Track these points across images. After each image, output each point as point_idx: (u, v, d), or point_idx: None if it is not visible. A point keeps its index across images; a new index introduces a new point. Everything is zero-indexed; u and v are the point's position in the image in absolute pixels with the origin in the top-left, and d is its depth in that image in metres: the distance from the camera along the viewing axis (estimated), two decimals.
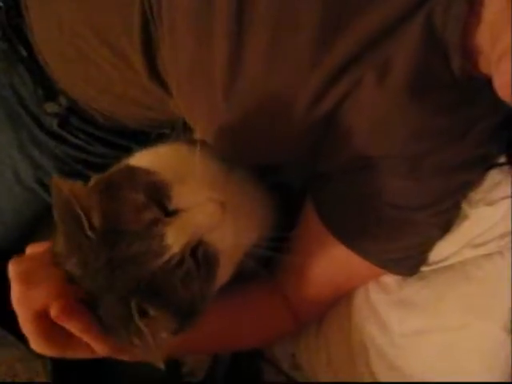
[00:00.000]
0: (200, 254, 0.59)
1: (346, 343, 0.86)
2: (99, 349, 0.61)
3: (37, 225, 0.99)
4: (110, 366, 0.99)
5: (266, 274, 0.78)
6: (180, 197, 0.60)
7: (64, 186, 0.58)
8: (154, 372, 0.99)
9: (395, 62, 0.66)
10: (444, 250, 0.79)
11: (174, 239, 0.57)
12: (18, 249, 0.91)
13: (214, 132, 0.75)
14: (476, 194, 0.77)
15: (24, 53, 0.91)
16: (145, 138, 0.93)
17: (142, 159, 0.70)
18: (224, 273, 0.64)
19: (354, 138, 0.72)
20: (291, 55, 0.67)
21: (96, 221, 0.58)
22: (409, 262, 0.79)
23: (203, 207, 0.60)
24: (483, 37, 0.63)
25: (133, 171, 0.63)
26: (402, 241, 0.77)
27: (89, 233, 0.57)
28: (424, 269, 0.81)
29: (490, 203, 0.76)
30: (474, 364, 0.74)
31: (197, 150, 0.65)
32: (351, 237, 0.77)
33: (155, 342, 0.57)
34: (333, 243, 0.78)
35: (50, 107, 0.93)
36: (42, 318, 0.59)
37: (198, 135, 0.82)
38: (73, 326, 0.58)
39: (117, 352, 0.62)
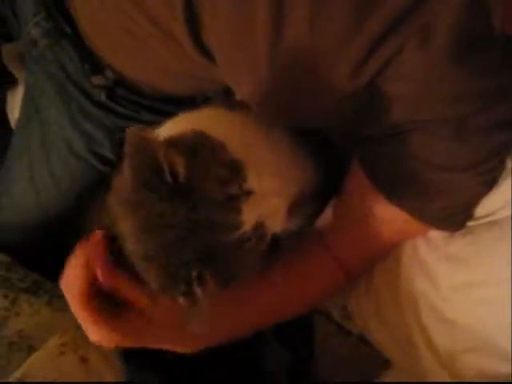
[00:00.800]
0: (259, 235, 0.64)
1: (395, 296, 0.89)
2: (143, 303, 0.68)
3: (92, 193, 1.02)
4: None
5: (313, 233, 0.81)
6: (253, 179, 0.64)
7: (144, 134, 0.60)
8: None
9: (437, 25, 0.65)
10: (490, 205, 0.80)
11: (248, 217, 0.61)
12: (74, 216, 0.97)
13: (256, 95, 0.76)
14: None
15: (68, 30, 0.93)
16: (191, 103, 0.95)
17: (209, 124, 0.72)
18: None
19: (398, 103, 0.72)
20: (334, 18, 0.67)
21: (181, 173, 0.60)
22: (455, 218, 0.81)
23: (273, 197, 0.65)
24: None
25: (210, 141, 0.66)
26: (449, 199, 0.79)
27: (169, 180, 0.59)
28: (470, 223, 0.82)
29: None
30: None
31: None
32: (398, 195, 0.79)
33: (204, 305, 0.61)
34: (380, 201, 0.81)
35: (97, 80, 0.96)
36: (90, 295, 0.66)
37: (240, 98, 0.83)
38: (119, 282, 0.66)
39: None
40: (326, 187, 0.84)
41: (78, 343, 0.87)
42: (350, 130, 0.80)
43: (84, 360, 0.85)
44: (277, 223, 0.66)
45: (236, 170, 0.64)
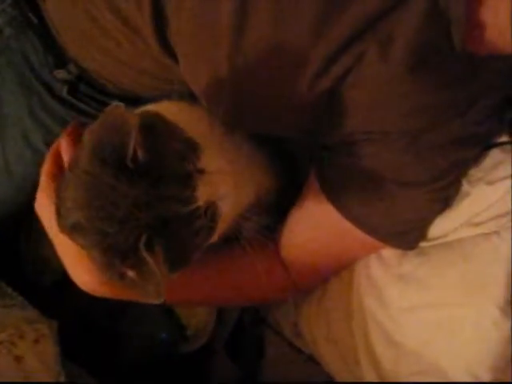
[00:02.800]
0: (209, 215, 0.64)
1: (346, 315, 0.88)
2: None
3: None
4: (116, 331, 1.02)
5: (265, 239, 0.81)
6: (205, 159, 0.65)
7: (123, 112, 0.60)
8: (158, 335, 1.03)
9: (398, 37, 0.66)
10: (443, 226, 0.80)
11: (202, 194, 0.63)
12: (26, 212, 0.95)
13: (216, 98, 0.76)
14: (476, 173, 0.78)
15: (34, 20, 0.92)
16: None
17: (164, 110, 0.72)
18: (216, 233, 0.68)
19: (355, 112, 0.72)
20: (296, 26, 0.67)
21: (141, 154, 0.60)
22: (408, 236, 0.81)
23: (224, 176, 0.67)
24: (489, 12, 0.63)
25: (165, 119, 0.67)
26: (401, 215, 0.78)
27: (130, 164, 0.60)
28: (423, 244, 0.82)
29: (490, 182, 0.77)
30: (469, 342, 0.75)
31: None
32: (350, 208, 0.79)
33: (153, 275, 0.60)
34: (332, 214, 0.80)
35: (60, 74, 0.94)
36: None
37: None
38: None
39: None
40: (283, 195, 0.84)
41: (15, 342, 0.84)
42: (309, 137, 0.80)
43: (18, 359, 0.82)
44: (227, 205, 0.67)
45: (191, 147, 0.65)
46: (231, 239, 0.75)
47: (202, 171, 0.64)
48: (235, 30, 0.68)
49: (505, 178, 0.76)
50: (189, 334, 1.06)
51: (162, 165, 0.62)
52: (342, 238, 0.82)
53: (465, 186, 0.78)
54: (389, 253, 0.84)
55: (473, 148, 0.76)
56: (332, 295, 0.92)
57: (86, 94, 0.96)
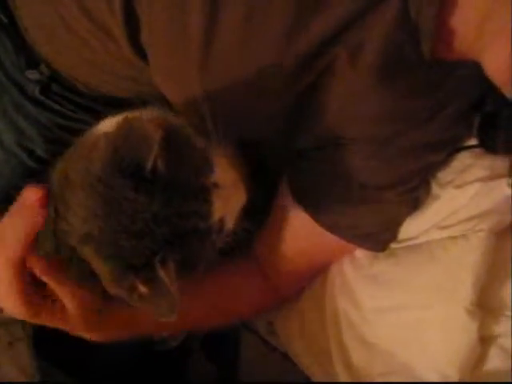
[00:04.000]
0: (220, 230, 0.64)
1: (320, 315, 0.89)
2: (72, 305, 0.66)
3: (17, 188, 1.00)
4: None
5: (243, 250, 0.82)
6: (219, 172, 0.64)
7: (146, 122, 0.59)
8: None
9: (368, 44, 0.67)
10: (414, 228, 0.82)
11: (218, 209, 0.61)
12: None
13: (186, 100, 0.76)
14: (446, 176, 0.80)
15: (4, 19, 0.91)
16: (128, 105, 0.94)
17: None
18: None
19: (325, 118, 0.74)
20: (267, 32, 0.68)
21: (161, 167, 0.58)
22: (378, 237, 0.82)
23: (237, 190, 0.66)
24: (459, 20, 0.64)
25: (184, 133, 0.65)
26: (371, 218, 0.80)
27: (149, 176, 0.58)
28: (394, 246, 0.84)
29: (459, 186, 0.78)
30: (438, 344, 0.77)
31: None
32: (321, 212, 0.80)
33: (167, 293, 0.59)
34: (305, 218, 0.81)
35: (32, 74, 0.94)
36: (19, 273, 0.62)
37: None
38: (51, 278, 0.63)
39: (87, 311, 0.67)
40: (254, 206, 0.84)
41: None
42: (280, 142, 0.80)
43: None
44: (232, 220, 0.66)
45: (206, 160, 0.63)
46: None
47: (216, 185, 0.63)
48: (205, 33, 0.69)
49: (473, 181, 0.77)
50: (164, 334, 1.07)
51: (180, 179, 0.60)
52: (317, 241, 0.83)
53: (435, 189, 0.80)
54: (361, 254, 0.86)
55: (441, 152, 0.78)
56: (306, 295, 0.93)
57: (59, 94, 0.95)
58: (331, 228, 0.80)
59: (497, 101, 0.73)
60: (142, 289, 0.60)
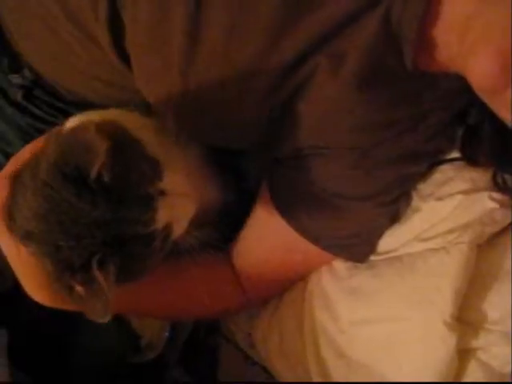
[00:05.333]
0: (166, 236, 0.65)
1: (299, 327, 0.89)
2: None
3: None
4: (66, 340, 1.02)
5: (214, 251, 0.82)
6: (167, 179, 0.65)
7: (95, 136, 0.59)
8: (111, 345, 1.03)
9: (350, 55, 0.67)
10: (394, 240, 0.82)
11: (162, 216, 0.63)
12: None
13: (167, 105, 0.77)
14: (427, 188, 0.80)
15: None
16: None
17: (126, 121, 0.72)
18: None
19: (305, 126, 0.74)
20: (249, 39, 0.68)
21: (106, 175, 0.60)
22: (357, 248, 0.83)
23: (186, 198, 0.67)
24: (441, 31, 0.65)
25: (132, 139, 0.67)
26: (350, 228, 0.81)
27: (94, 185, 0.59)
28: (374, 258, 0.84)
29: (440, 198, 0.79)
30: (416, 357, 0.77)
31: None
32: (300, 221, 0.81)
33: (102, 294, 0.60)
34: (284, 226, 0.82)
35: (15, 79, 0.94)
36: None
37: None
38: None
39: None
40: (229, 209, 0.85)
41: None
42: (260, 150, 0.81)
43: None
44: (181, 228, 0.67)
45: (154, 167, 0.65)
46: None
47: (163, 193, 0.64)
48: (188, 42, 0.70)
49: (454, 194, 0.78)
50: (143, 345, 1.06)
51: (125, 187, 0.61)
52: (295, 250, 0.83)
53: (416, 201, 0.80)
54: (340, 265, 0.86)
55: (421, 164, 0.79)
56: (285, 306, 0.93)
57: (42, 100, 0.95)
58: (309, 236, 0.81)
59: (480, 113, 0.74)
60: (79, 288, 0.61)
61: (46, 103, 0.95)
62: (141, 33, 0.73)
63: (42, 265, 0.64)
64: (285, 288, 0.92)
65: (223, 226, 0.82)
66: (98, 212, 0.59)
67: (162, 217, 0.63)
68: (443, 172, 0.80)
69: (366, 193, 0.77)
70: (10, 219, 0.66)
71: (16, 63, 0.93)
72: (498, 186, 0.77)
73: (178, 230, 0.67)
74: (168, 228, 0.65)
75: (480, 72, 0.59)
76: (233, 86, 0.72)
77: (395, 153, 0.75)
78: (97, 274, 0.59)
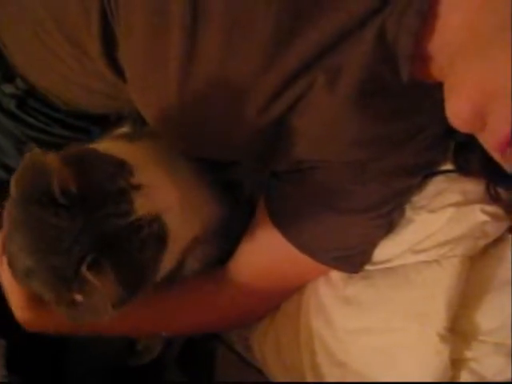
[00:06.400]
0: (155, 228, 0.67)
1: (295, 333, 0.91)
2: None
3: None
4: (64, 346, 1.03)
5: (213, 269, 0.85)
6: (141, 175, 0.68)
7: (40, 157, 0.64)
8: (107, 349, 1.04)
9: (346, 69, 0.68)
10: (388, 250, 0.84)
11: (140, 206, 0.65)
12: None
13: (163, 120, 0.78)
14: (421, 200, 0.82)
15: None
16: (104, 120, 0.95)
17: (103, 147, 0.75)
18: (168, 258, 0.72)
19: (302, 141, 0.75)
20: (246, 56, 0.69)
21: (72, 186, 0.63)
22: (352, 260, 0.84)
23: (163, 188, 0.70)
24: (435, 46, 0.66)
25: (91, 149, 0.72)
26: (346, 240, 0.82)
27: (62, 201, 0.62)
28: (369, 267, 0.85)
29: (433, 210, 0.80)
30: (410, 367, 0.79)
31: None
32: (296, 235, 0.82)
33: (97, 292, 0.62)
34: (279, 239, 0.83)
35: (8, 88, 0.94)
36: None
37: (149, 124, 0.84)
38: None
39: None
40: (227, 223, 0.86)
41: None
42: (257, 164, 0.82)
43: None
44: (173, 219, 0.69)
45: (121, 167, 0.68)
46: None
47: (138, 187, 0.67)
48: (184, 59, 0.70)
49: (446, 206, 0.80)
50: (139, 348, 1.07)
51: (95, 190, 0.65)
52: (292, 263, 0.85)
53: (409, 213, 0.82)
54: (336, 275, 0.87)
55: (416, 176, 0.80)
56: (282, 313, 0.95)
57: (35, 109, 0.96)
58: (305, 249, 0.82)
59: None
60: (78, 297, 0.64)
61: (40, 112, 0.96)
62: (136, 48, 0.74)
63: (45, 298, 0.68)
64: (282, 300, 0.93)
65: (221, 241, 0.84)
66: (78, 221, 0.62)
67: (140, 206, 0.66)
68: (435, 184, 0.81)
69: (362, 206, 0.79)
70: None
71: (9, 73, 0.94)
72: (492, 197, 0.78)
73: (173, 221, 0.69)
74: (158, 219, 0.67)
75: (451, 112, 0.61)
76: (228, 102, 0.73)
77: (392, 165, 0.76)
78: (87, 274, 0.61)
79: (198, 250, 0.80)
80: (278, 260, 0.86)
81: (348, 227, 0.81)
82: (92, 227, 0.63)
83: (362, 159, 0.75)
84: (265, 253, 0.86)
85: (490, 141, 0.59)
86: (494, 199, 0.78)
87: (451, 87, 0.61)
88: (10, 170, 0.98)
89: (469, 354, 0.78)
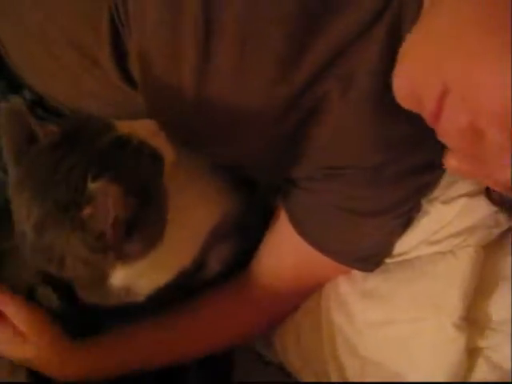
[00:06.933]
0: (146, 150, 0.70)
1: (315, 328, 0.92)
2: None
3: None
4: None
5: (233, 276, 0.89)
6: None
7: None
8: None
9: (358, 76, 0.69)
10: (405, 243, 0.84)
11: (121, 128, 0.71)
12: None
13: (179, 127, 0.78)
14: (433, 192, 0.82)
15: None
16: None
17: None
18: (190, 248, 0.78)
19: (317, 149, 0.76)
20: (259, 71, 0.70)
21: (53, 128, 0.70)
22: (372, 259, 0.86)
23: (144, 121, 0.74)
24: None
25: None
26: (367, 242, 0.84)
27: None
28: (387, 260, 0.87)
29: (446, 201, 0.81)
30: (429, 356, 0.80)
31: None
32: (317, 238, 0.84)
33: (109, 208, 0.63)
34: (301, 243, 0.85)
35: (14, 99, 0.95)
36: None
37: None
38: None
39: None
40: (245, 222, 0.87)
41: None
42: (273, 172, 0.84)
43: None
44: (170, 156, 0.73)
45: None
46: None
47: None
48: (197, 74, 0.72)
49: (458, 196, 0.81)
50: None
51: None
52: (315, 265, 0.87)
53: (424, 205, 0.82)
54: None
55: (435, 171, 0.79)
56: (302, 309, 0.96)
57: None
58: (328, 253, 0.84)
59: None
60: (87, 211, 0.64)
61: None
62: (149, 61, 0.75)
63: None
64: (304, 299, 0.95)
65: (238, 239, 0.85)
66: (66, 151, 0.67)
67: (122, 127, 0.71)
68: (448, 175, 0.81)
69: (381, 207, 0.79)
70: None
71: (15, 85, 0.94)
72: (493, 201, 0.79)
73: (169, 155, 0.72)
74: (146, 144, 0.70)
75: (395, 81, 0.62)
76: (244, 113, 0.74)
77: (409, 166, 0.76)
78: (92, 186, 0.64)
79: (217, 249, 0.82)
80: (301, 263, 0.87)
81: (368, 229, 0.82)
82: (83, 151, 0.66)
83: (380, 163, 0.76)
84: (287, 257, 0.88)
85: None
86: (497, 203, 0.79)
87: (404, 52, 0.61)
88: None
89: (483, 342, 0.79)
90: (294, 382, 1.00)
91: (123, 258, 0.69)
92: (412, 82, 0.59)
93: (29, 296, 0.83)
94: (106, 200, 0.63)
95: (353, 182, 0.77)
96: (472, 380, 0.79)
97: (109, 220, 0.63)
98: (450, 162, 0.60)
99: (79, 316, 0.84)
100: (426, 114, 0.60)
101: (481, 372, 0.79)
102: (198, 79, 0.72)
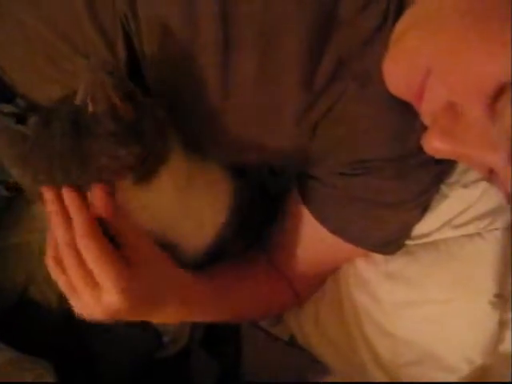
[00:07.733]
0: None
1: (337, 307, 0.97)
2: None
3: None
4: (90, 350, 1.03)
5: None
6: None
7: None
8: (135, 350, 1.06)
9: (374, 72, 0.71)
10: (425, 225, 0.89)
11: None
12: None
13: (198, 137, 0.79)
14: (452, 176, 0.87)
15: None
16: None
17: None
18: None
19: (338, 146, 0.79)
20: (279, 77, 0.72)
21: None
22: (393, 244, 0.90)
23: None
24: None
25: None
26: (389, 229, 0.87)
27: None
28: (408, 242, 0.91)
29: (465, 185, 0.86)
30: (462, 333, 0.86)
31: None
32: (343, 228, 0.86)
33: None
34: (325, 233, 0.87)
35: (7, 108, 0.90)
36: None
37: None
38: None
39: None
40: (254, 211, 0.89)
41: None
42: (297, 169, 0.86)
43: None
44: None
45: None
46: None
47: None
48: (220, 96, 0.73)
49: (478, 180, 0.85)
50: (166, 341, 1.09)
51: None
52: (336, 250, 0.90)
53: (443, 189, 0.87)
54: None
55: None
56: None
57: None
58: (350, 240, 0.87)
59: None
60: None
61: None
62: (167, 77, 0.75)
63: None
64: (324, 280, 0.99)
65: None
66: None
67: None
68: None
69: (407, 198, 0.83)
70: None
71: (7, 94, 0.89)
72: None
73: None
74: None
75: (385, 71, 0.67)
76: (266, 116, 0.76)
77: (427, 156, 0.79)
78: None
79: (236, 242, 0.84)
80: (322, 250, 0.90)
81: (390, 218, 0.85)
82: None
83: (402, 154, 0.79)
84: (310, 245, 0.91)
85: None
86: None
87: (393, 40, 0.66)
88: (11, 187, 0.96)
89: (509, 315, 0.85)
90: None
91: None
92: (399, 68, 0.64)
93: (22, 297, 0.82)
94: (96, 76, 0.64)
95: (378, 175, 0.80)
96: (501, 350, 0.86)
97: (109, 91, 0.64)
98: (432, 142, 0.64)
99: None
100: (411, 97, 0.64)
101: (509, 342, 0.85)
102: (220, 93, 0.73)
